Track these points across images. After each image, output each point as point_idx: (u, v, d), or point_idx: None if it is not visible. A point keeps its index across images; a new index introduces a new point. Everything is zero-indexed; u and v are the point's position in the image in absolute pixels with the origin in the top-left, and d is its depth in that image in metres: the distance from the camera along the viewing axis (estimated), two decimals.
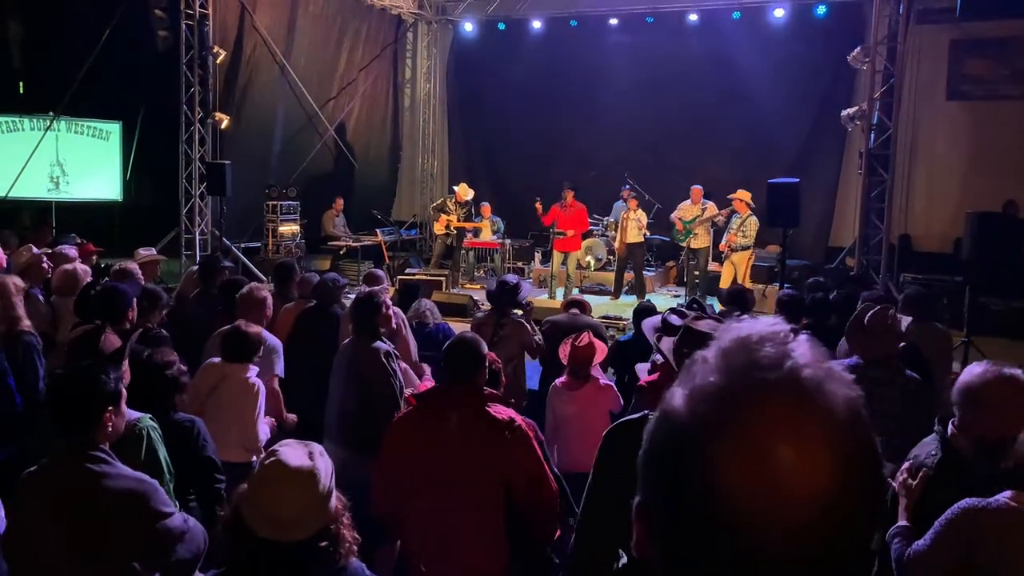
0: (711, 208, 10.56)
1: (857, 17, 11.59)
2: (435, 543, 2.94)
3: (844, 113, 10.62)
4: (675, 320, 3.18)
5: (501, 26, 14.41)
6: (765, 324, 0.72)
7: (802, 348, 0.68)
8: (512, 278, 5.51)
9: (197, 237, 11.14)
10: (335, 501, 1.87)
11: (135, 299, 4.40)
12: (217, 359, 3.98)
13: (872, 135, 10.12)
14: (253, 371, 3.93)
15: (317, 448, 1.90)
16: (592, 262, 12.31)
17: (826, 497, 0.63)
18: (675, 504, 0.67)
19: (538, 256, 12.90)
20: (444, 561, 2.93)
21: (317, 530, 1.80)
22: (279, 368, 4.45)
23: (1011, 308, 9.37)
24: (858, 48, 10.40)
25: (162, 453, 2.81)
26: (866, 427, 0.67)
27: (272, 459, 1.82)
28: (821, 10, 12.09)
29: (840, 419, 0.65)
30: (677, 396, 0.69)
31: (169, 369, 3.13)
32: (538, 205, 11.13)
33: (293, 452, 1.85)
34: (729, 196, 10.27)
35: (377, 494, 3.03)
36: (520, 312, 5.43)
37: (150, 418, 2.89)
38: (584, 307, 5.94)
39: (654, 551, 0.71)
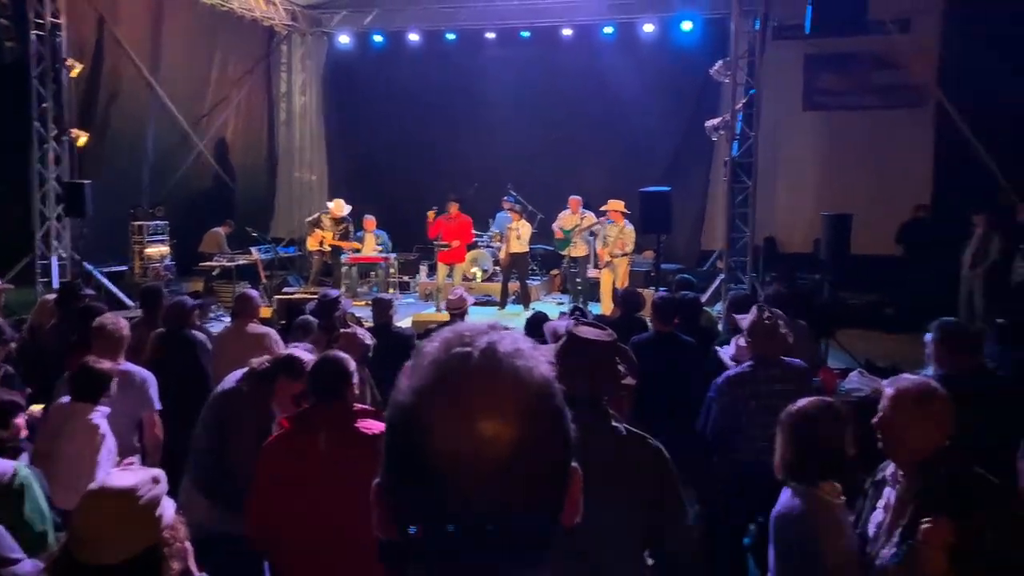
0: (589, 218, 10.81)
1: (721, 33, 12.17)
2: (312, 567, 2.85)
3: (708, 124, 11.15)
4: (563, 326, 3.22)
5: (378, 38, 14.31)
6: (481, 323, 0.83)
7: (505, 334, 0.80)
8: (333, 292, 5.43)
9: (55, 262, 10.40)
10: (167, 526, 1.81)
11: None
12: (67, 399, 3.70)
13: (735, 144, 10.67)
14: (99, 413, 3.61)
15: (156, 474, 1.85)
16: (478, 273, 12.36)
17: (514, 445, 0.74)
18: (399, 473, 0.77)
19: (424, 269, 12.83)
20: None
21: (133, 553, 1.74)
22: (156, 401, 4.22)
23: (865, 302, 10.13)
24: (720, 62, 10.93)
25: (43, 502, 2.66)
26: (555, 396, 0.79)
27: (95, 483, 1.80)
28: (687, 26, 12.69)
29: (528, 386, 0.77)
30: (403, 382, 0.79)
31: None
32: (431, 214, 11.14)
33: (121, 474, 1.82)
34: (602, 208, 10.55)
35: (251, 521, 2.93)
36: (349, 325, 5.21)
37: (26, 466, 2.73)
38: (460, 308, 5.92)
39: (390, 527, 0.78)
